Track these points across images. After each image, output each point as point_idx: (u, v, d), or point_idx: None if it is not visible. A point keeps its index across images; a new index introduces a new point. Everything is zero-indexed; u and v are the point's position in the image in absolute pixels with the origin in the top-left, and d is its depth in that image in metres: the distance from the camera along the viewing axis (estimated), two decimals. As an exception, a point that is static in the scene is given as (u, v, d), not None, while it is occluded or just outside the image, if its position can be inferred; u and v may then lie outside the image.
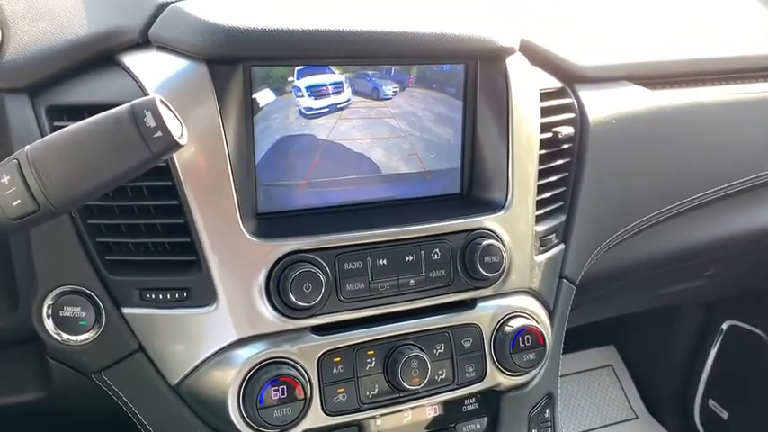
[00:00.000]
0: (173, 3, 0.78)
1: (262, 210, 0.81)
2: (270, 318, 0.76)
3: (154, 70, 0.76)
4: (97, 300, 0.76)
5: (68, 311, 0.76)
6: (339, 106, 0.83)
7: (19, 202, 0.59)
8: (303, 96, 0.80)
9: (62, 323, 0.76)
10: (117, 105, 0.73)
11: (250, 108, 0.78)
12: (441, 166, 0.89)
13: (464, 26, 0.84)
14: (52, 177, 0.59)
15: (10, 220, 0.60)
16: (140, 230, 0.76)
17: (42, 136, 0.74)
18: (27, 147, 0.61)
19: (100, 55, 0.78)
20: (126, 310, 0.77)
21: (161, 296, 0.76)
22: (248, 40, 0.73)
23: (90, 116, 0.74)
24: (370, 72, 0.83)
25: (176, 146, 0.60)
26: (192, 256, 0.76)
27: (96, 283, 0.76)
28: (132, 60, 0.77)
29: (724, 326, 1.78)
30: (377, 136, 0.85)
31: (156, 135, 0.59)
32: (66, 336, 0.77)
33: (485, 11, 1.02)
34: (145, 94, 0.74)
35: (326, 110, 0.82)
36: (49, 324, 0.76)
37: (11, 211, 0.60)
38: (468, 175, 0.91)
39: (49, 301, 0.76)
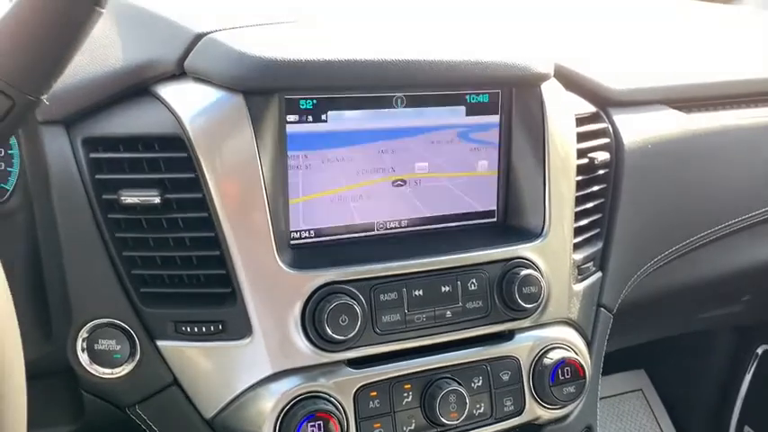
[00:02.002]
0: (208, 34, 0.77)
1: (296, 240, 0.80)
2: (306, 351, 0.75)
3: (189, 101, 0.75)
4: (132, 333, 0.76)
5: (103, 344, 0.76)
6: (375, 137, 0.82)
7: None
8: (338, 126, 0.80)
9: (97, 356, 0.76)
10: (152, 136, 0.75)
11: (285, 138, 0.77)
12: (476, 194, 0.88)
13: (499, 53, 0.83)
14: (11, 67, 0.58)
15: None
16: (175, 262, 0.75)
17: (78, 166, 0.75)
18: None
19: (135, 86, 0.78)
20: (161, 343, 0.76)
21: (196, 329, 0.75)
22: (284, 70, 0.73)
23: (126, 148, 0.75)
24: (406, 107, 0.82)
25: None
26: (227, 288, 0.75)
27: (131, 315, 0.76)
28: (167, 91, 0.77)
29: (759, 350, 1.74)
30: (412, 170, 0.84)
31: None
32: (100, 369, 0.76)
33: (515, 36, 1.01)
34: (180, 125, 0.74)
35: (362, 140, 0.81)
36: (83, 357, 0.76)
37: None
38: (504, 202, 0.89)
39: (83, 335, 0.75)
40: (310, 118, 0.78)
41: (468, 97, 0.85)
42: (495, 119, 0.87)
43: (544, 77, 0.86)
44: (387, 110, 0.81)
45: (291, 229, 0.80)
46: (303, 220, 0.80)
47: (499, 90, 0.86)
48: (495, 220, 0.89)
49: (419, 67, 0.78)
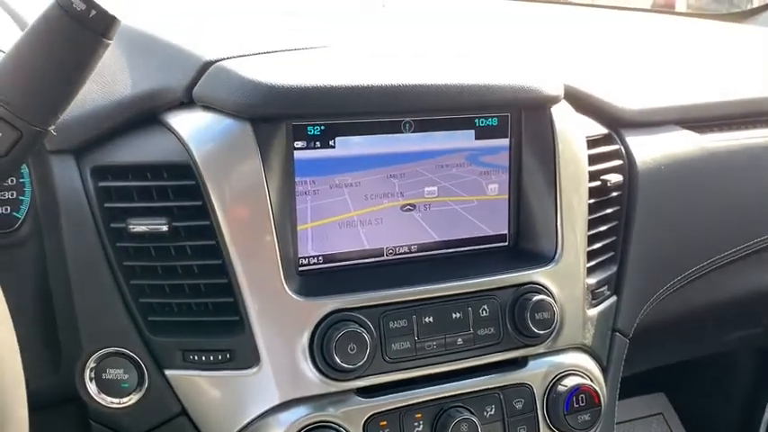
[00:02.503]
0: (216, 62, 0.78)
1: (304, 266, 0.80)
2: (314, 380, 0.74)
3: (197, 129, 0.75)
4: (140, 362, 0.75)
5: (111, 374, 0.75)
6: (384, 162, 0.81)
7: (0, 135, 0.59)
8: (346, 152, 0.79)
9: (105, 386, 0.75)
10: (160, 164, 0.75)
11: (293, 165, 0.77)
12: (487, 218, 0.87)
13: (508, 76, 0.83)
14: (18, 99, 0.59)
15: (2, 157, 0.60)
16: (183, 290, 0.75)
17: (87, 195, 0.75)
18: None
19: (143, 114, 0.78)
20: (169, 373, 0.76)
21: (204, 358, 0.75)
22: (291, 97, 0.73)
23: (134, 177, 0.75)
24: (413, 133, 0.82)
25: (115, 19, 0.59)
26: (235, 316, 0.74)
27: (139, 344, 0.75)
28: (176, 119, 0.77)
29: (784, 373, 1.69)
30: (421, 194, 0.83)
31: (91, 15, 0.58)
32: (108, 399, 0.76)
33: (523, 58, 1.01)
34: (188, 152, 0.74)
35: (371, 165, 0.81)
36: (91, 387, 0.75)
37: None
38: (515, 226, 0.88)
39: (91, 364, 0.75)
40: (318, 144, 0.78)
41: (477, 121, 0.84)
42: (505, 142, 0.86)
43: (554, 100, 0.85)
44: (395, 135, 0.81)
45: (300, 255, 0.79)
46: (312, 246, 0.80)
47: (508, 113, 0.85)
48: (506, 244, 0.88)
49: (427, 92, 0.78)
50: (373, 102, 0.76)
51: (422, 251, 0.85)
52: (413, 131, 0.82)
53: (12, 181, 0.78)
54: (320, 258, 0.80)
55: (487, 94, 0.81)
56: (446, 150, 0.84)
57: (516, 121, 0.86)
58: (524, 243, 0.88)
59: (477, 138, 0.85)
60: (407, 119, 0.81)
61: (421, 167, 0.83)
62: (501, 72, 0.83)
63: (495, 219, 0.87)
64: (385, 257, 0.83)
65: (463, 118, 0.84)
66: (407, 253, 0.84)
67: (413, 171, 0.83)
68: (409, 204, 0.83)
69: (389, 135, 0.81)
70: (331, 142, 0.78)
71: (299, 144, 0.77)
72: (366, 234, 0.82)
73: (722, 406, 1.83)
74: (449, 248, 0.86)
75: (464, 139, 0.84)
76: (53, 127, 0.62)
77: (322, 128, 0.77)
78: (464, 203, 0.86)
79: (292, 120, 0.76)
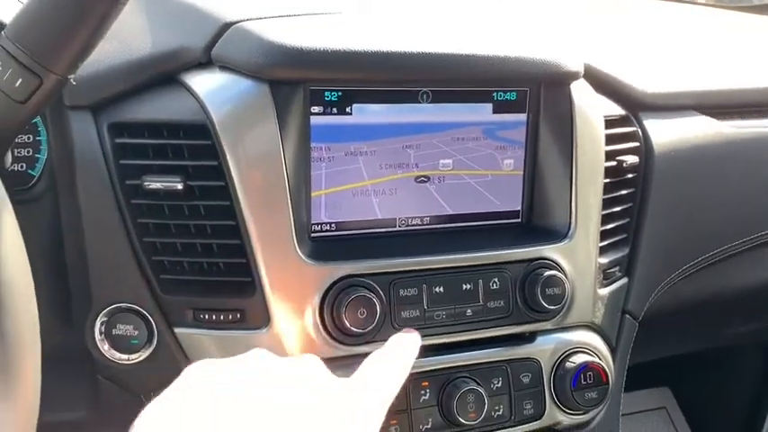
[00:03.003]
0: (236, 23, 0.78)
1: (317, 232, 0.80)
2: (323, 343, 0.74)
3: (215, 90, 0.75)
4: (150, 319, 0.75)
5: (121, 329, 0.75)
6: (399, 132, 0.81)
7: (21, 80, 0.59)
8: (362, 120, 0.79)
9: (114, 341, 0.76)
10: (177, 123, 0.75)
11: (309, 130, 0.77)
12: (501, 193, 0.87)
13: (529, 50, 0.82)
14: (39, 45, 0.58)
15: (21, 103, 0.59)
16: (196, 250, 0.75)
17: (103, 152, 0.75)
18: (2, 31, 0.60)
19: (163, 74, 0.78)
20: (179, 331, 0.76)
21: (214, 317, 0.75)
22: (309, 60, 0.73)
23: (151, 134, 0.75)
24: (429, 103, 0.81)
25: None
26: (247, 277, 0.74)
27: (150, 301, 0.75)
28: (194, 80, 0.77)
29: (790, 370, 1.69)
30: (436, 166, 0.83)
31: None
32: (117, 354, 0.76)
33: (545, 35, 1.00)
34: (205, 112, 0.74)
35: (387, 134, 0.80)
36: (101, 342, 0.76)
37: (17, 94, 0.59)
38: (529, 202, 0.88)
39: (102, 319, 0.75)
40: (335, 110, 0.78)
41: (495, 94, 0.84)
42: (523, 117, 0.85)
43: (574, 76, 0.85)
44: (412, 104, 0.81)
45: (313, 222, 0.79)
46: (325, 213, 0.80)
47: (528, 88, 0.85)
48: (519, 220, 0.88)
49: (447, 61, 0.77)
50: (392, 69, 0.76)
51: (434, 224, 0.84)
52: (430, 102, 0.81)
53: (28, 138, 0.79)
54: (333, 225, 0.80)
55: (507, 67, 0.80)
56: (463, 123, 0.83)
57: (535, 96, 0.85)
58: (537, 219, 0.88)
59: (494, 112, 0.84)
60: (425, 89, 0.80)
61: (436, 139, 0.83)
62: (522, 46, 0.83)
63: (509, 194, 0.87)
64: (397, 228, 0.83)
65: (481, 91, 0.83)
66: (419, 225, 0.84)
67: (428, 142, 0.82)
68: (423, 176, 0.83)
69: (406, 105, 0.80)
70: (348, 109, 0.78)
71: (315, 109, 0.77)
72: (379, 204, 0.82)
73: (727, 402, 1.82)
74: (461, 222, 0.86)
75: (481, 113, 0.84)
76: (73, 76, 0.62)
77: (339, 94, 0.77)
78: (478, 177, 0.86)
79: (310, 84, 0.76)
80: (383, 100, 0.79)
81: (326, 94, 0.77)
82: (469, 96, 0.83)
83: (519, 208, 0.88)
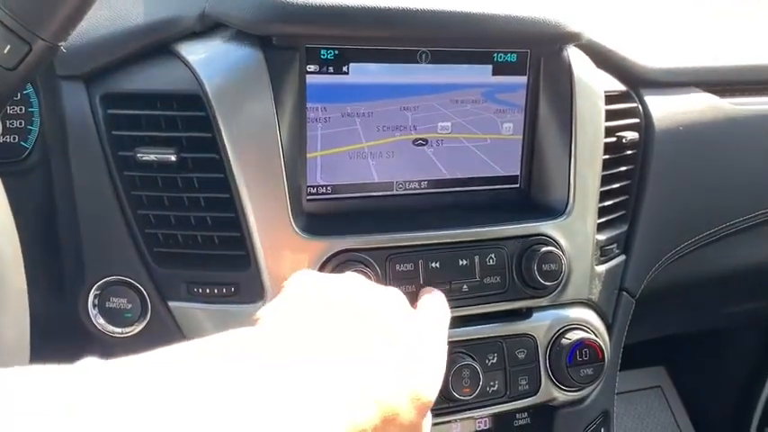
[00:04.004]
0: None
1: (313, 195, 0.79)
2: (318, 318, 0.74)
3: (209, 59, 0.74)
4: (143, 292, 0.75)
5: (114, 302, 0.75)
6: (398, 93, 0.80)
7: (9, 47, 0.58)
8: (359, 79, 0.77)
9: (108, 314, 0.75)
10: (171, 94, 0.74)
11: (305, 89, 0.76)
12: (500, 158, 0.86)
13: (530, 10, 0.80)
14: (28, 11, 0.57)
15: (11, 70, 0.58)
16: (189, 223, 0.74)
17: (96, 123, 0.74)
18: None
19: (156, 44, 0.77)
20: (172, 304, 0.76)
21: (209, 291, 0.74)
22: (306, 15, 0.71)
23: (144, 105, 0.74)
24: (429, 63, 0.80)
25: None
26: (241, 251, 0.74)
27: (143, 274, 0.75)
28: (187, 49, 0.76)
29: (785, 350, 1.69)
30: (434, 129, 0.82)
31: None
32: (111, 327, 0.75)
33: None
34: (199, 83, 0.73)
35: (384, 95, 0.79)
36: (94, 314, 0.75)
37: (6, 61, 0.58)
38: (527, 169, 0.87)
39: (95, 292, 0.75)
40: (331, 69, 0.76)
41: (495, 56, 0.82)
42: (523, 80, 0.84)
43: (575, 37, 0.83)
44: (411, 65, 0.79)
45: (308, 184, 0.78)
46: (320, 176, 0.79)
47: (528, 50, 0.83)
48: (517, 186, 0.87)
49: (447, 19, 0.75)
50: (391, 25, 0.74)
51: (431, 188, 0.83)
52: (429, 62, 0.80)
53: (20, 110, 0.77)
54: (329, 189, 0.79)
55: (508, 27, 0.78)
56: (462, 85, 0.82)
57: (535, 59, 0.84)
58: (535, 194, 0.87)
59: (494, 74, 0.83)
60: (424, 48, 0.79)
61: (435, 101, 0.81)
62: (524, 6, 0.81)
63: (508, 159, 0.86)
64: (394, 192, 0.82)
65: (481, 52, 0.82)
66: (417, 189, 0.83)
67: (427, 105, 0.81)
68: (421, 139, 0.82)
69: (405, 65, 0.79)
70: (345, 68, 0.77)
71: (311, 68, 0.75)
72: (376, 166, 0.81)
73: (721, 382, 1.83)
74: (459, 187, 0.85)
75: (481, 74, 0.82)
76: (63, 43, 0.61)
77: (336, 52, 0.76)
78: (477, 141, 0.84)
79: (306, 41, 0.74)
80: (381, 59, 0.78)
81: (322, 52, 0.76)
82: (469, 57, 0.81)
83: (517, 173, 0.87)
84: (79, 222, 0.75)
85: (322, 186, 0.79)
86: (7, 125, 0.77)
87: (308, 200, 0.78)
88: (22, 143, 0.78)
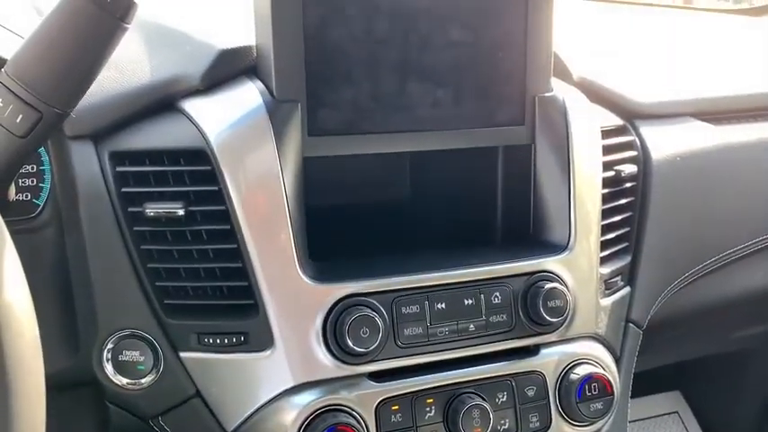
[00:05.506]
0: (234, 48, 0.79)
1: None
2: (327, 364, 0.75)
3: (212, 115, 0.77)
4: (155, 344, 0.76)
5: (127, 355, 0.76)
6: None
7: (21, 116, 0.61)
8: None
9: (121, 367, 0.77)
10: (177, 150, 0.76)
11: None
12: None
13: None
14: (39, 81, 0.60)
15: (22, 138, 0.61)
16: (199, 274, 0.76)
17: (105, 180, 0.76)
18: (2, 68, 0.62)
19: (161, 101, 0.79)
20: (184, 355, 0.77)
21: (218, 340, 0.76)
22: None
23: (151, 162, 0.76)
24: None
25: (133, 3, 0.61)
26: (249, 299, 0.75)
27: (155, 327, 0.76)
28: (192, 106, 0.78)
29: (801, 370, 1.67)
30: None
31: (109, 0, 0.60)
32: (124, 380, 0.77)
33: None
34: (204, 138, 0.75)
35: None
36: (108, 368, 0.77)
37: (18, 129, 0.61)
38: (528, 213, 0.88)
39: (108, 346, 0.76)
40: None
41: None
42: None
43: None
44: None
45: None
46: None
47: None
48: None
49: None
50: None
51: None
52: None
53: (32, 168, 0.80)
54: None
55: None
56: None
57: (531, 107, 0.86)
58: (537, 231, 0.88)
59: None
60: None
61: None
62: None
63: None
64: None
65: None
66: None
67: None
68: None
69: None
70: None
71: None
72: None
73: (740, 404, 1.81)
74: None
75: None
76: (72, 109, 0.64)
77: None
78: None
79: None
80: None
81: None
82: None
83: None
84: (91, 277, 0.76)
85: None
86: (20, 184, 0.79)
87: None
88: (34, 200, 0.80)
